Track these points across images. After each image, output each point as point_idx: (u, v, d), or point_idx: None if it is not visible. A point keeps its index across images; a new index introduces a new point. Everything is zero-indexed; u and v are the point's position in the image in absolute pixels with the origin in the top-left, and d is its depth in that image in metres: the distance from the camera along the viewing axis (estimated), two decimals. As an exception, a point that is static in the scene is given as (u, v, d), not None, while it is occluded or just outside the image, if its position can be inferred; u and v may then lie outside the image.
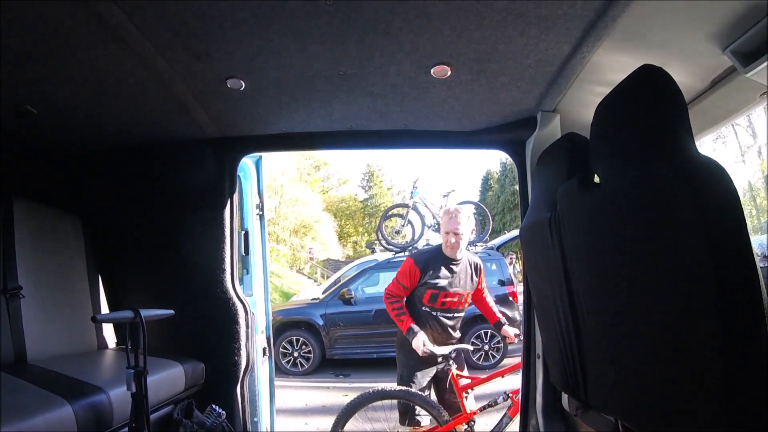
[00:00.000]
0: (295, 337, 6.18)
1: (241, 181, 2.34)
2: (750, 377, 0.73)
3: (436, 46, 1.35)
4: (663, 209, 0.84)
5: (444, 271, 2.44)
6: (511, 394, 2.35)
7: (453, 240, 2.41)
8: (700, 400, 0.80)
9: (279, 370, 5.71)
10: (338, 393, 5.02)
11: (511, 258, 9.80)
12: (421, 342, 2.32)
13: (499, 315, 2.65)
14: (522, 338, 1.99)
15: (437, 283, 2.42)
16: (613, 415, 1.20)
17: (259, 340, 2.28)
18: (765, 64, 1.18)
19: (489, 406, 2.41)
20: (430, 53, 1.40)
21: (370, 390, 2.38)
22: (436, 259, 2.46)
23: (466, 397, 2.40)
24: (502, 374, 2.52)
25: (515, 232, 7.76)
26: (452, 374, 2.37)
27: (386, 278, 5.67)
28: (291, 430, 3.81)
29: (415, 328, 2.36)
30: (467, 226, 2.44)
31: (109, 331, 2.11)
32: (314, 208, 23.86)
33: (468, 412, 2.34)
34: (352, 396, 2.51)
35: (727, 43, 1.25)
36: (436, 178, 45.12)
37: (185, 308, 1.72)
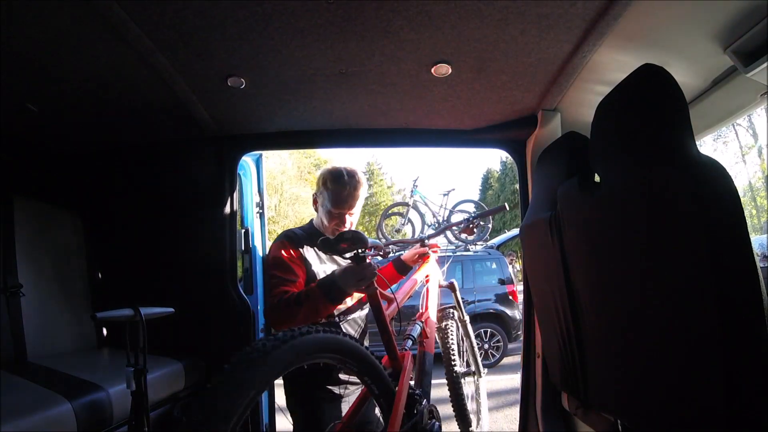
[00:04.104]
0: (294, 336, 6.17)
1: (241, 179, 2.34)
2: (750, 377, 0.73)
3: (436, 44, 1.35)
4: (663, 208, 0.84)
5: (325, 258, 1.67)
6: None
7: (343, 218, 1.63)
8: (700, 399, 0.80)
9: (279, 369, 5.69)
10: (338, 391, 4.99)
11: (511, 257, 9.79)
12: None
13: None
14: (522, 337, 2.00)
15: (326, 272, 1.58)
16: (612, 415, 1.20)
17: (259, 339, 2.27)
18: (766, 64, 1.19)
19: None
20: (430, 51, 1.40)
21: None
22: (312, 240, 1.60)
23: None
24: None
25: (515, 231, 7.77)
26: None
27: (386, 277, 5.62)
28: (290, 428, 3.81)
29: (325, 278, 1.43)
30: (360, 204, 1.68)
31: (109, 329, 2.11)
32: (314, 206, 23.82)
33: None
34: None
35: (728, 43, 1.25)
36: (437, 176, 45.26)
37: (185, 306, 1.71)
